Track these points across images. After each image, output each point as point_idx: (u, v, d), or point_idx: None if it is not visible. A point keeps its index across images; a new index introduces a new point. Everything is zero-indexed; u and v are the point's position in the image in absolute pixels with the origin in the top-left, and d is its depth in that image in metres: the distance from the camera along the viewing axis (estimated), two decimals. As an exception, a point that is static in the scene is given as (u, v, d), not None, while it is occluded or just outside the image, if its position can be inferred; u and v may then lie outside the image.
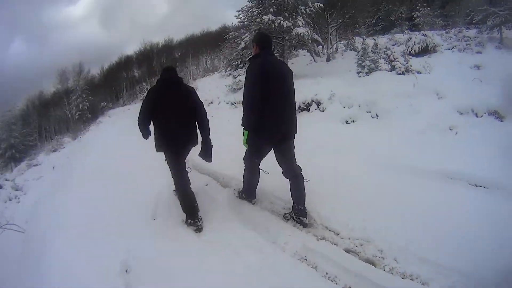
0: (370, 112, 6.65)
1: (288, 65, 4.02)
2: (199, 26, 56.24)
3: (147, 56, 46.88)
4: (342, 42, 17.29)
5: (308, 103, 8.07)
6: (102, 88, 45.07)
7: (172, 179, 3.67)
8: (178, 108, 3.45)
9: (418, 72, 8.41)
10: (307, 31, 11.20)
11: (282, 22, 10.98)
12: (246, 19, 12.85)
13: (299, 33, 11.05)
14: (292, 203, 3.38)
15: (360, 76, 9.12)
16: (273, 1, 11.52)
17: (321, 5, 12.09)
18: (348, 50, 15.32)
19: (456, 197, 3.60)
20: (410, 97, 6.51)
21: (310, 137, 5.35)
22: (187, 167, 3.72)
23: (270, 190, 3.97)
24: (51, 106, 39.87)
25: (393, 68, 8.71)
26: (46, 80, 41.71)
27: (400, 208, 3.39)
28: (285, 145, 3.27)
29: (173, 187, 3.91)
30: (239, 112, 3.32)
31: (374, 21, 24.75)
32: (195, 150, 3.74)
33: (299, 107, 7.88)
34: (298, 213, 3.33)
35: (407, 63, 8.59)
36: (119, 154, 7.98)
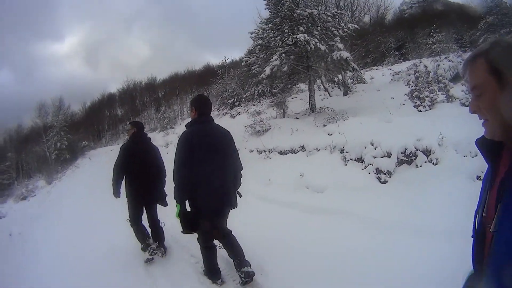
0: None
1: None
2: (181, 68, 56.85)
3: (130, 95, 46.14)
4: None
5: (411, 153, 5.46)
6: (83, 126, 43.36)
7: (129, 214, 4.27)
8: (145, 163, 4.13)
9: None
10: (349, 56, 9.58)
11: (317, 43, 9.32)
12: (265, 40, 10.72)
13: (344, 57, 9.28)
14: (233, 261, 3.29)
15: (420, 111, 7.73)
16: (303, 19, 9.75)
17: (357, 26, 10.74)
18: (356, 82, 14.52)
19: None
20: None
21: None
22: (161, 222, 4.43)
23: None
24: (29, 142, 37.40)
25: (450, 99, 7.58)
26: (27, 114, 39.61)
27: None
28: (221, 216, 3.26)
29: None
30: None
31: (364, 54, 24.60)
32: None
33: (398, 159, 5.56)
34: (239, 265, 3.20)
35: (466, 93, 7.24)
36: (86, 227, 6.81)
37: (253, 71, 12.03)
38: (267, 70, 9.71)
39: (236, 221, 3.89)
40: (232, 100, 19.01)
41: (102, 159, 19.41)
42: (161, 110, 31.62)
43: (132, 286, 3.70)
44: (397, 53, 24.92)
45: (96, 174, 15.21)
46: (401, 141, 5.58)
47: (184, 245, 4.42)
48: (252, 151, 8.72)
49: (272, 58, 9.77)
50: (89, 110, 48.66)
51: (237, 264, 3.21)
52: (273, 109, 12.95)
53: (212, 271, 3.43)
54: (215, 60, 77.89)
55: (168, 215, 4.27)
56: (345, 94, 13.50)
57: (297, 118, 10.14)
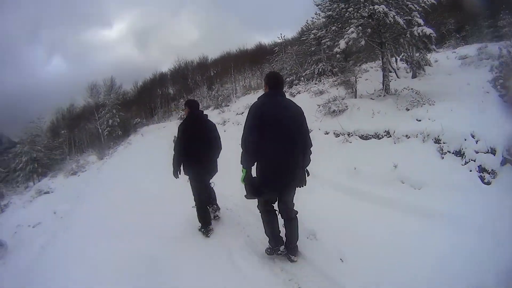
0: None
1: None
2: (232, 48, 56.00)
3: (182, 73, 46.25)
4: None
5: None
6: (136, 104, 44.58)
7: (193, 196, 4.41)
8: (203, 141, 4.24)
9: None
10: (433, 33, 8.02)
11: (395, 16, 7.98)
12: (335, 12, 9.24)
13: (427, 34, 7.85)
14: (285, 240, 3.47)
15: (506, 101, 6.20)
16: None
17: (434, 1, 8.70)
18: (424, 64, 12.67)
19: None
20: None
21: None
22: (211, 183, 4.72)
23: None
24: (81, 120, 38.83)
25: None
26: (79, 95, 41.03)
27: None
28: (285, 191, 3.26)
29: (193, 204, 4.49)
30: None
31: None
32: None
33: (502, 157, 4.73)
34: (289, 251, 3.43)
35: None
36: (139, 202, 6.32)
37: (324, 45, 10.62)
38: (342, 44, 8.29)
39: (314, 216, 4.06)
40: (290, 78, 17.90)
41: (155, 135, 19.24)
42: (213, 88, 31.37)
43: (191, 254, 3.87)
44: (458, 35, 22.03)
45: (147, 149, 14.93)
46: (502, 136, 4.72)
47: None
48: (327, 133, 7.48)
49: (347, 30, 8.33)
50: (141, 89, 49.37)
51: (288, 248, 3.44)
52: (337, 89, 11.84)
53: (273, 237, 3.47)
54: (265, 40, 76.40)
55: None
56: (414, 76, 11.79)
57: (371, 99, 8.84)
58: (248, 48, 49.47)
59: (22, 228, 8.51)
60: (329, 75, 16.91)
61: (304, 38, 19.13)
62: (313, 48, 18.25)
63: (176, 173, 4.29)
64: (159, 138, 17.51)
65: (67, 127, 37.99)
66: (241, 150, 3.08)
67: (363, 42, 8.29)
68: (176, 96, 45.34)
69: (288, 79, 17.97)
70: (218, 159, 4.55)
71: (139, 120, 37.13)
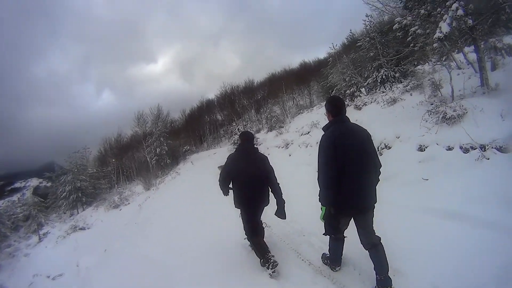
0: None
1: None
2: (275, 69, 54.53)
3: (229, 99, 45.70)
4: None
5: None
6: (184, 132, 44.36)
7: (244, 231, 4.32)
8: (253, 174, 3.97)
9: None
10: None
11: None
12: None
13: None
14: (375, 274, 3.16)
15: None
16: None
17: None
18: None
19: None
20: None
21: None
22: (263, 223, 4.39)
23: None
24: (129, 149, 38.97)
25: None
26: (128, 126, 41.56)
27: None
28: (363, 216, 3.15)
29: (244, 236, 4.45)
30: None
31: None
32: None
33: None
34: (380, 283, 3.09)
35: None
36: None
37: (410, 36, 8.38)
38: (444, 27, 6.16)
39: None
40: (351, 90, 15.77)
41: (205, 163, 17.81)
42: (261, 111, 30.21)
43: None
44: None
45: (198, 182, 13.10)
46: None
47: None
48: (450, 149, 5.19)
49: (450, 5, 6.19)
50: (188, 117, 49.33)
51: (379, 281, 3.09)
52: (410, 94, 10.49)
53: (334, 260, 3.54)
54: (306, 58, 75.23)
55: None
56: (493, 69, 9.21)
57: (463, 98, 6.50)
58: (293, 67, 48.46)
59: (41, 279, 7.28)
60: (393, 82, 14.97)
61: (359, 43, 17.19)
62: (371, 54, 16.21)
63: (225, 192, 4.20)
64: (209, 166, 15.79)
65: (115, 156, 38.21)
66: (319, 187, 3.01)
67: (470, 22, 6.12)
68: (224, 122, 44.66)
69: (348, 91, 15.91)
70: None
71: (188, 147, 36.65)
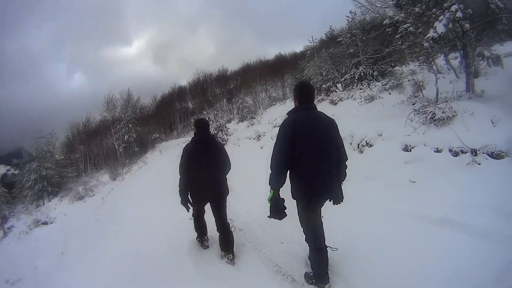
0: None
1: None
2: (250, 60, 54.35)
3: (201, 87, 44.81)
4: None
5: None
6: (154, 119, 43.19)
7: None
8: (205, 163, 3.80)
9: None
10: None
11: None
12: None
13: None
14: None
15: None
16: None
17: None
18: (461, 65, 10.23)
19: None
20: None
21: None
22: (231, 226, 4.06)
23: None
24: (98, 135, 37.29)
25: None
26: (97, 109, 39.68)
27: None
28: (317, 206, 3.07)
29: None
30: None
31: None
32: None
33: None
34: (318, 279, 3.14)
35: None
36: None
37: (400, 33, 8.15)
38: (439, 27, 6.04)
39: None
40: (327, 84, 15.61)
41: (173, 152, 17.15)
42: (233, 101, 29.66)
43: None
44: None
45: (164, 172, 12.49)
46: None
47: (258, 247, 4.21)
48: (439, 151, 4.98)
49: (449, 7, 6.02)
50: (159, 104, 48.16)
51: (315, 277, 3.17)
52: (389, 93, 10.42)
53: (320, 275, 3.15)
54: (283, 51, 75.22)
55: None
56: (476, 76, 9.36)
57: (448, 101, 6.37)
58: (268, 59, 48.28)
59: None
60: (370, 80, 15.06)
61: (340, 39, 17.13)
62: (351, 50, 16.18)
63: (184, 202, 3.84)
64: (177, 156, 15.09)
65: (82, 142, 36.40)
66: (270, 170, 2.88)
67: (467, 26, 5.98)
68: (195, 110, 43.72)
69: (324, 85, 15.76)
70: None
71: (157, 135, 35.50)
